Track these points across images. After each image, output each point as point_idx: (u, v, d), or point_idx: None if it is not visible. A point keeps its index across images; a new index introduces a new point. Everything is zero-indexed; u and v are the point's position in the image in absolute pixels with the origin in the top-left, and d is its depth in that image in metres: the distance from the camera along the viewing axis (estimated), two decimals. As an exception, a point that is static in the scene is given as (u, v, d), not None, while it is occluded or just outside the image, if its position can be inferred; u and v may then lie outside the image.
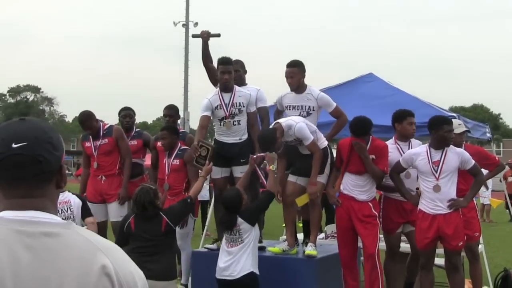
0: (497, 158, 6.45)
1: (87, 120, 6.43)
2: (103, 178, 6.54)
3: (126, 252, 1.39)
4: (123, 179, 6.49)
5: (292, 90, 5.96)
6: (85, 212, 5.55)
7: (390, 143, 5.97)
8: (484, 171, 6.21)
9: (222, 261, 5.19)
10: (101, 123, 6.59)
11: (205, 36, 6.24)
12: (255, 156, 5.76)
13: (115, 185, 6.50)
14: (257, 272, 5.14)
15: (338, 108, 5.98)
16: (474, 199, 6.00)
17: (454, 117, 7.29)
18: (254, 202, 5.58)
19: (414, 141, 6.04)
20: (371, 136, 5.73)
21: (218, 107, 5.98)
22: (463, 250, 5.98)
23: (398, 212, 5.92)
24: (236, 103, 5.95)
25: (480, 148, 6.32)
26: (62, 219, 4.96)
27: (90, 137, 6.56)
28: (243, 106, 5.95)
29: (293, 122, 5.53)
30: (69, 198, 5.58)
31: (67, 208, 5.54)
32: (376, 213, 5.65)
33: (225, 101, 5.94)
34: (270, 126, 5.90)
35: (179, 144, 6.47)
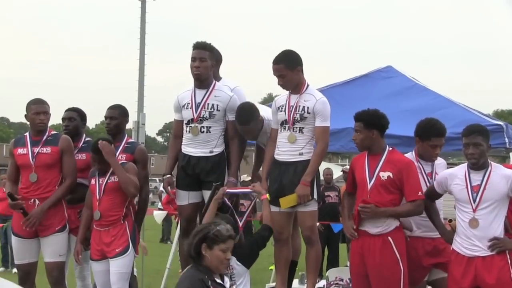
0: None
1: (45, 103, 6.49)
2: (37, 202, 6.45)
3: None
4: (50, 198, 6.41)
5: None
6: None
7: (409, 157, 5.98)
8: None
9: None
10: (48, 128, 6.58)
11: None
12: (226, 189, 5.96)
13: (53, 212, 6.45)
14: None
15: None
16: None
17: (500, 126, 7.41)
18: (248, 239, 5.70)
19: (439, 159, 6.09)
20: (388, 147, 5.81)
21: (186, 105, 6.21)
22: None
23: (426, 253, 5.92)
24: (208, 104, 6.14)
25: None
26: None
27: (28, 141, 6.49)
28: (217, 110, 6.13)
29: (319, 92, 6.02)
30: None
31: None
32: (398, 255, 5.62)
33: (197, 99, 6.16)
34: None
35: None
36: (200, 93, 6.19)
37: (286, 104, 6.07)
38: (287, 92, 6.13)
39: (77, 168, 6.60)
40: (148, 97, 30.91)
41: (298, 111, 5.99)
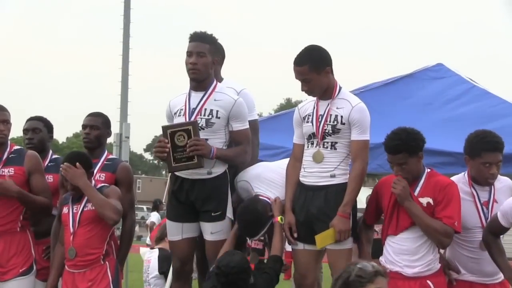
0: None
1: (5, 109, 6.51)
2: None
3: None
4: (26, 193, 6.40)
5: None
6: None
7: (461, 182, 5.99)
8: None
9: None
10: (9, 141, 6.61)
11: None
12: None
13: (16, 251, 6.43)
14: None
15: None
16: None
17: None
18: (262, 277, 5.77)
19: (502, 180, 6.05)
20: (426, 169, 5.87)
21: (179, 112, 6.27)
22: None
23: None
24: (205, 109, 6.17)
25: None
26: None
27: None
28: (217, 117, 6.15)
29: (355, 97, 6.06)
30: None
31: None
32: None
33: (191, 104, 6.22)
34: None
35: (93, 181, 6.43)
36: (196, 96, 6.23)
37: (313, 113, 6.08)
38: (314, 97, 6.13)
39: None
40: (133, 103, 30.29)
41: (330, 121, 5.99)
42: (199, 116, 6.13)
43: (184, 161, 6.08)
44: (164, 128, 6.16)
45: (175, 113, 6.27)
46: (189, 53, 6.18)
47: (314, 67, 5.97)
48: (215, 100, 6.17)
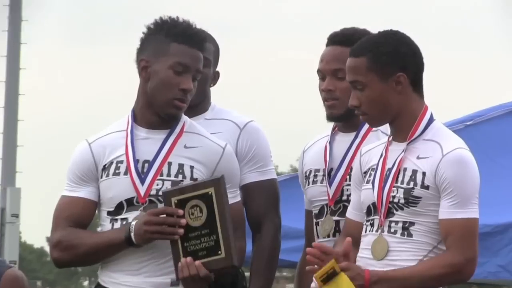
0: None
1: None
2: None
3: None
4: None
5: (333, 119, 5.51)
6: None
7: None
8: None
9: None
10: None
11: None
12: None
13: None
14: None
15: None
16: None
17: None
18: None
19: None
20: None
21: (115, 167, 5.12)
22: None
23: None
24: (171, 164, 5.04)
25: None
26: None
27: None
28: (192, 179, 5.04)
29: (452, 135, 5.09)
30: None
31: None
32: None
33: (142, 153, 5.08)
34: None
35: None
36: (152, 138, 5.08)
37: (379, 163, 4.91)
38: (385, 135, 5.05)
39: None
40: (26, 149, 27.23)
41: (402, 182, 4.76)
42: (159, 177, 5.02)
43: (202, 255, 4.97)
44: (168, 195, 4.97)
45: (104, 168, 5.03)
46: (185, 67, 5.08)
47: (376, 64, 4.77)
48: (185, 147, 5.06)
